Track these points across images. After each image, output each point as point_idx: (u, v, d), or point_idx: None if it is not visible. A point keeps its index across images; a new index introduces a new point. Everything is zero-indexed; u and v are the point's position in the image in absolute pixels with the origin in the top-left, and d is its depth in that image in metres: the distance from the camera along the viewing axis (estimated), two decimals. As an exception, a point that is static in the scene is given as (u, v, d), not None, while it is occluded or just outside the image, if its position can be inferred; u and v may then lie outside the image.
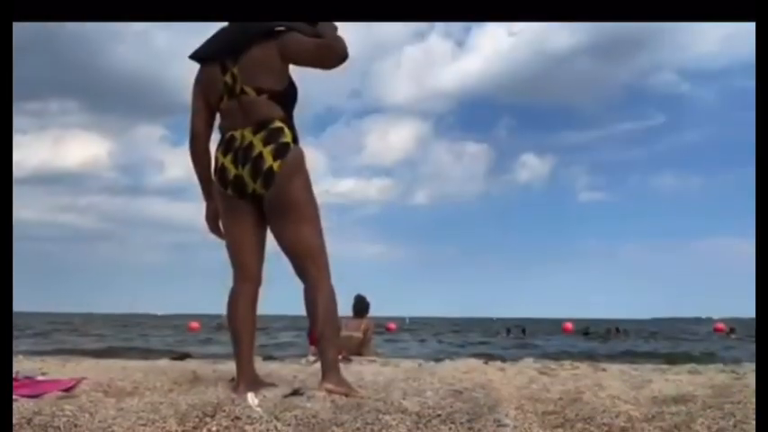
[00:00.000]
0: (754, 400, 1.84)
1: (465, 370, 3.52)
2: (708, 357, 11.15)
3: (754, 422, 1.51)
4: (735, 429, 1.50)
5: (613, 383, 2.72)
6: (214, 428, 1.48)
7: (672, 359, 8.69)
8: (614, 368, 3.97)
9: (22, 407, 1.76)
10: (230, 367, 3.04)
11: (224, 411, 1.62)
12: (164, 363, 4.05)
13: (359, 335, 5.69)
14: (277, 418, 1.60)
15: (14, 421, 1.58)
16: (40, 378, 2.64)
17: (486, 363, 4.26)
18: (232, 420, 1.53)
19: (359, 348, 5.55)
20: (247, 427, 1.49)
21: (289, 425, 1.57)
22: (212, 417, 1.60)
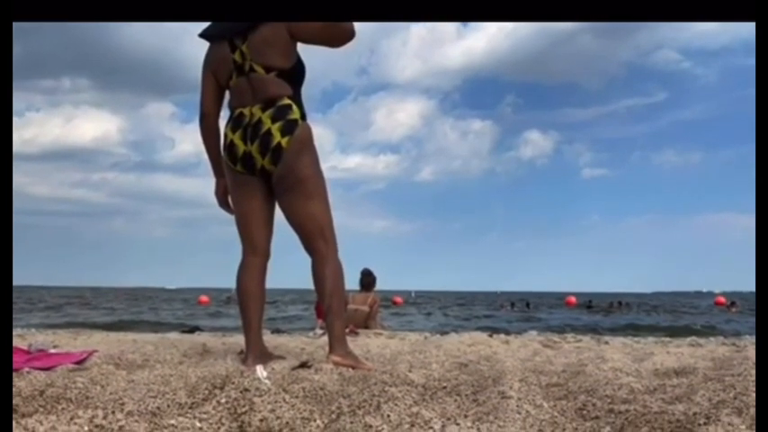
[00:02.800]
0: (754, 372, 1.86)
1: (470, 343, 3.56)
2: (709, 330, 11.20)
3: (754, 394, 1.53)
4: (735, 401, 1.52)
5: (616, 356, 2.76)
6: (223, 400, 1.51)
7: (673, 332, 8.76)
8: (617, 341, 4.01)
9: (34, 379, 1.79)
10: (239, 340, 3.09)
11: (233, 383, 1.65)
12: (174, 336, 4.12)
13: (365, 308, 5.75)
14: (285, 390, 1.63)
15: (27, 393, 1.61)
16: (53, 351, 2.68)
17: (490, 336, 4.31)
18: (241, 392, 1.56)
19: (366, 322, 5.61)
20: (256, 399, 1.52)
21: (296, 397, 1.60)
22: (221, 389, 1.63)
